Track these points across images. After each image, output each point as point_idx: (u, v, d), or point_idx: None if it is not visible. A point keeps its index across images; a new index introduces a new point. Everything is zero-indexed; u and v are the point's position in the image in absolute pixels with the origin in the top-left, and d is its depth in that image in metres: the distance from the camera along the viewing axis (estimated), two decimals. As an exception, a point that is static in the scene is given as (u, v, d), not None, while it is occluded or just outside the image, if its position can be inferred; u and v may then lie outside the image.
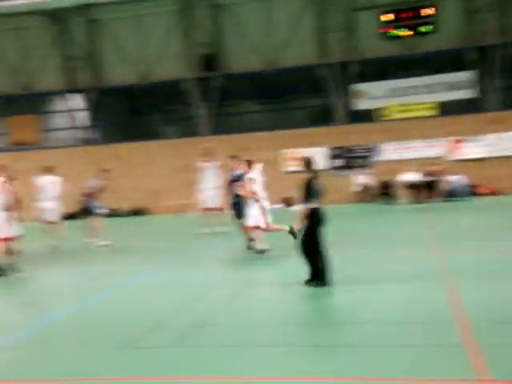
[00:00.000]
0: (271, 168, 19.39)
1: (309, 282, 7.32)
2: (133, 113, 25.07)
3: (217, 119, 23.03)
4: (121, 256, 11.68)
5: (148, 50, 22.76)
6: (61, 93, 23.32)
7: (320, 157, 21.22)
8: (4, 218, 9.57)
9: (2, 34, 23.32)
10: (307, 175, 7.34)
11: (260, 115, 25.21)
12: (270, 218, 10.10)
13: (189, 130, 24.63)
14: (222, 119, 23.59)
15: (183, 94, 23.35)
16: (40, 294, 8.55)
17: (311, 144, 21.14)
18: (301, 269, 7.47)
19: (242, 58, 22.29)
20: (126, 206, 22.01)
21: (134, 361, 5.14)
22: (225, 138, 22.09)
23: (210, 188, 14.11)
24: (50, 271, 10.20)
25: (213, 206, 13.98)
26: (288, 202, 20.23)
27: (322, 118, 22.36)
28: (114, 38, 22.89)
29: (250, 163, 10.68)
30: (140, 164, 22.38)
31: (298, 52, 21.81)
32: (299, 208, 7.44)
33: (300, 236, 7.42)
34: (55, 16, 22.37)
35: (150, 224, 19.22)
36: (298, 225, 7.37)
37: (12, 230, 9.81)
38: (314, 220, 7.25)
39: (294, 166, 21.14)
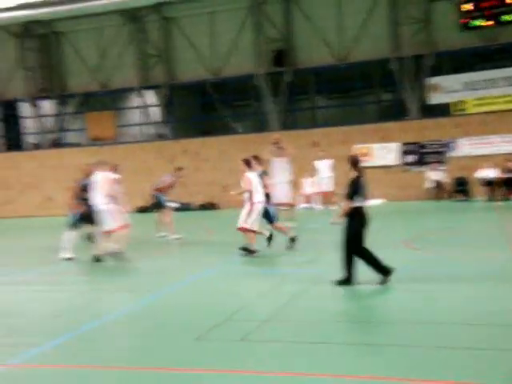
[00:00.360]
0: (342, 164, 19.14)
1: (340, 283, 7.30)
2: (204, 108, 25.48)
3: (287, 114, 23.01)
4: (192, 249, 11.88)
5: (219, 46, 23.03)
6: (135, 89, 24.01)
7: (392, 152, 20.79)
8: (115, 209, 10.16)
9: (83, 34, 24.28)
10: (354, 173, 7.27)
11: (330, 110, 24.98)
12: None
13: (259, 125, 24.77)
14: (291, 114, 23.57)
15: (254, 89, 23.48)
16: (117, 284, 8.84)
17: (383, 139, 20.74)
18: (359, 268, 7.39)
19: (313, 53, 22.13)
20: (197, 200, 22.41)
21: (208, 353, 5.22)
22: (294, 133, 22.04)
23: (280, 183, 14.10)
24: (120, 264, 10.53)
25: (283, 201, 13.98)
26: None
27: (395, 112, 21.85)
28: (186, 35, 23.31)
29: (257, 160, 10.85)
30: (211, 159, 22.71)
31: (370, 46, 21.40)
32: (342, 205, 7.39)
33: (344, 235, 7.28)
34: (131, 15, 23.05)
35: (220, 218, 19.46)
36: (336, 219, 7.31)
37: (123, 220, 10.36)
38: (359, 219, 7.18)
39: (366, 162, 20.81)
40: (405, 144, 20.87)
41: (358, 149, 20.97)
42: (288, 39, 22.23)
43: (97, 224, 10.56)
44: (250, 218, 10.15)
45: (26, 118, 26.06)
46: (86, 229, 11.21)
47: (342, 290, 7.28)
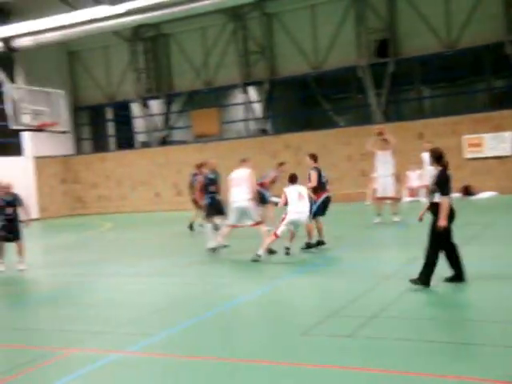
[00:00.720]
0: (451, 155, 18.35)
1: (450, 279, 7.09)
2: (305, 102, 25.44)
3: (390, 106, 22.40)
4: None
5: (321, 40, 22.86)
6: (238, 86, 24.46)
7: (506, 142, 19.61)
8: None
9: (188, 34, 25.12)
10: (438, 168, 6.99)
11: (437, 100, 24.00)
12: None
13: (361, 118, 24.34)
14: (395, 106, 22.92)
15: (356, 81, 23.08)
16: (225, 279, 9.08)
17: (497, 128, 19.58)
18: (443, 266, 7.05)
19: (418, 41, 21.33)
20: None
21: (314, 347, 5.22)
22: (398, 125, 21.40)
23: (383, 176, 13.80)
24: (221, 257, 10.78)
25: (387, 195, 13.69)
26: (468, 191, 19.05)
27: (509, 99, 20.53)
28: (288, 30, 23.37)
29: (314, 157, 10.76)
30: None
31: (481, 29, 20.24)
32: (431, 200, 7.00)
33: (431, 233, 6.95)
34: (234, 13, 23.49)
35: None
36: (442, 222, 6.83)
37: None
38: (451, 215, 6.90)
39: (476, 153, 19.81)
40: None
41: (470, 139, 19.99)
42: (391, 28, 21.60)
43: (225, 216, 10.84)
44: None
45: (136, 117, 27.44)
46: (216, 220, 11.29)
47: (446, 287, 7.00)
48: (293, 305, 6.96)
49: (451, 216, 6.97)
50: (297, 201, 9.74)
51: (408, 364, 4.66)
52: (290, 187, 9.94)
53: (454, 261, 7.05)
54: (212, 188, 11.17)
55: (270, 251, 10.03)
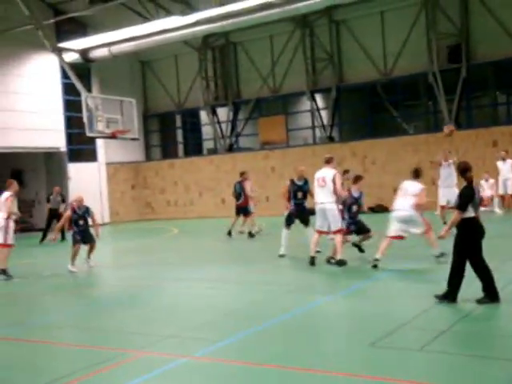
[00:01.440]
0: (526, 164, 17.59)
1: (442, 298, 6.80)
2: (373, 109, 25.06)
3: (462, 113, 21.71)
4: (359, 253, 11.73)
5: (390, 46, 22.49)
6: (305, 93, 24.43)
7: None
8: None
9: (256, 42, 25.35)
10: (465, 182, 6.87)
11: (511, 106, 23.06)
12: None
13: (431, 125, 23.72)
14: (467, 112, 22.18)
15: (425, 88, 22.54)
16: (289, 285, 9.05)
17: None
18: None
19: (493, 46, 20.56)
20: (367, 202, 22.09)
21: (385, 360, 5.11)
22: (470, 132, 20.74)
23: (447, 186, 13.81)
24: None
25: (448, 204, 13.48)
26: None
27: None
28: (356, 37, 23.14)
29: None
30: (379, 161, 22.26)
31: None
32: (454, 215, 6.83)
33: (456, 248, 6.73)
34: (301, 21, 23.52)
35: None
36: (445, 234, 6.82)
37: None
38: (473, 231, 6.73)
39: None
40: None
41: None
42: (464, 33, 20.94)
43: (308, 224, 10.90)
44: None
45: (204, 125, 27.93)
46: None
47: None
48: (364, 313, 6.85)
49: (479, 232, 6.79)
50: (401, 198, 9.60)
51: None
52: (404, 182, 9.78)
53: (487, 279, 6.73)
54: (299, 195, 11.16)
55: (341, 262, 9.83)
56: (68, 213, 11.86)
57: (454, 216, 6.85)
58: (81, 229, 11.64)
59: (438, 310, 6.60)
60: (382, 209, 21.67)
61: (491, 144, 19.94)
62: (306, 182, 11.28)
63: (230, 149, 26.41)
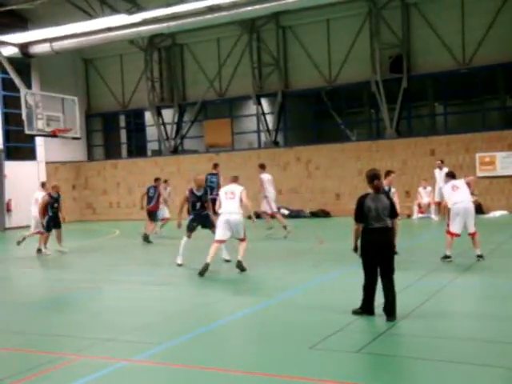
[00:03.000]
0: (464, 173, 18.30)
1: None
2: (318, 116, 25.46)
3: (402, 122, 22.37)
4: (307, 256, 11.87)
5: (335, 54, 22.90)
6: (251, 97, 24.53)
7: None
8: None
9: (203, 45, 25.27)
10: (373, 189, 6.60)
11: (450, 117, 23.94)
12: None
13: (374, 132, 24.32)
14: (407, 122, 22.88)
15: (368, 96, 23.10)
16: (234, 288, 9.05)
17: (510, 147, 19.55)
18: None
19: (432, 58, 21.31)
20: (309, 207, 22.40)
21: (322, 362, 5.18)
22: (410, 141, 21.40)
23: None
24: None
25: None
26: (479, 210, 18.92)
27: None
28: (302, 43, 23.45)
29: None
30: (322, 166, 22.63)
31: (496, 48, 20.21)
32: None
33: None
34: (249, 25, 23.61)
35: (332, 226, 19.29)
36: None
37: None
38: (366, 243, 6.51)
39: (488, 171, 19.72)
40: (532, 152, 19.48)
41: (483, 157, 19.88)
42: (406, 45, 21.61)
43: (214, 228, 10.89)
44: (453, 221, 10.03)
45: (148, 126, 27.57)
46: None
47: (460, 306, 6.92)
48: (303, 317, 6.90)
49: (371, 245, 6.45)
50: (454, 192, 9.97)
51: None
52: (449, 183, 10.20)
53: (367, 293, 6.56)
54: (198, 205, 10.86)
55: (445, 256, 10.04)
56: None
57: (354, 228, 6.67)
58: (55, 211, 13.99)
59: (376, 313, 6.74)
60: (324, 214, 22.04)
61: (429, 152, 20.65)
62: (205, 191, 11.01)
63: (175, 151, 26.18)
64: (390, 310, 6.39)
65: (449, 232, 10.08)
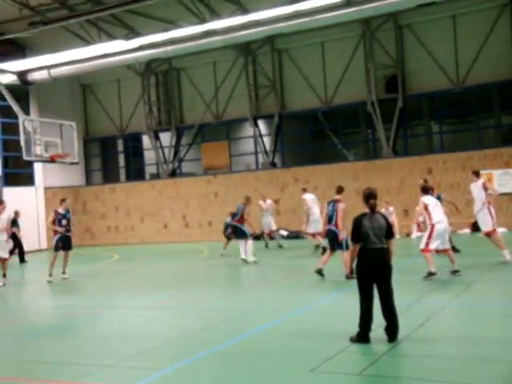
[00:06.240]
0: (461, 191, 18.36)
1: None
2: (314, 136, 25.61)
3: (399, 141, 22.50)
4: (307, 277, 11.86)
5: (330, 75, 23.10)
6: (248, 119, 24.69)
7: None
8: None
9: (199, 68, 25.51)
10: (368, 208, 6.57)
11: (446, 136, 24.10)
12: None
13: (370, 152, 24.44)
14: (404, 141, 23.01)
15: (364, 116, 23.27)
16: (234, 310, 9.02)
17: (506, 165, 19.63)
18: None
19: (427, 78, 21.54)
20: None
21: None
22: (407, 160, 21.50)
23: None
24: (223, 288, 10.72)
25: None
26: (477, 227, 18.94)
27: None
28: (297, 65, 23.68)
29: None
30: (320, 186, 22.67)
31: (489, 67, 20.44)
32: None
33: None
34: (244, 48, 23.88)
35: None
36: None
37: None
38: (361, 263, 6.45)
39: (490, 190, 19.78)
40: (529, 170, 19.57)
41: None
42: (400, 65, 21.85)
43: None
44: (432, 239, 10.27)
45: (146, 149, 27.68)
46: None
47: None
48: (304, 338, 6.87)
49: (370, 265, 6.36)
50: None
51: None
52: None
53: (364, 316, 6.40)
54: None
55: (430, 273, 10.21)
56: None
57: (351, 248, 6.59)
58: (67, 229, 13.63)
59: (376, 335, 6.72)
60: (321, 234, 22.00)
61: (427, 171, 20.73)
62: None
63: (173, 174, 26.25)
64: (393, 332, 6.33)
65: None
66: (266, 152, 24.44)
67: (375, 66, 21.90)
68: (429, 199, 10.66)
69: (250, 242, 14.46)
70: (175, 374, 5.80)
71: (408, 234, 19.39)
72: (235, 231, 14.77)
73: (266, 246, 18.28)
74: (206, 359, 6.25)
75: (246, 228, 14.46)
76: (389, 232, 6.51)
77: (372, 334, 6.36)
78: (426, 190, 10.88)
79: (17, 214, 19.38)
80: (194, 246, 21.49)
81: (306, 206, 15.86)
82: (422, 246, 10.41)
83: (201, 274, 14.16)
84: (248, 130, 25.47)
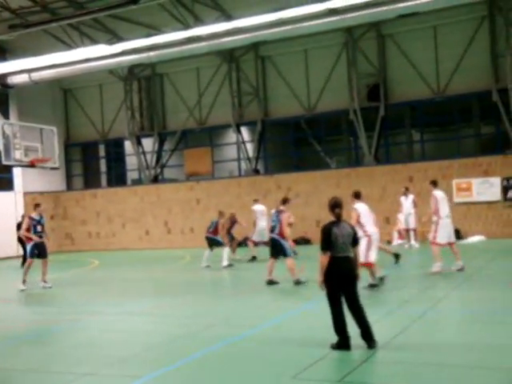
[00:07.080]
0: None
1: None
2: (297, 143, 25.71)
3: (380, 149, 22.68)
4: (286, 285, 11.85)
5: (313, 83, 23.23)
6: (231, 126, 24.70)
7: (495, 187, 19.91)
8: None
9: (182, 74, 25.46)
10: (335, 217, 6.52)
11: (426, 144, 24.35)
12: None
13: (352, 160, 24.58)
14: (385, 149, 23.20)
15: (347, 124, 23.41)
16: (213, 318, 8.97)
17: (485, 174, 19.88)
18: None
19: (408, 87, 21.77)
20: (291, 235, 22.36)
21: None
22: (389, 168, 21.68)
23: None
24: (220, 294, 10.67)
25: None
26: (457, 235, 19.13)
27: (497, 145, 20.88)
28: (281, 73, 23.78)
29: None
30: (303, 194, 22.74)
31: (469, 77, 20.74)
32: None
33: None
34: (228, 55, 23.92)
35: (312, 255, 19.26)
36: (318, 277, 6.40)
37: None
38: (332, 273, 6.34)
39: (465, 197, 20.01)
40: (507, 179, 19.83)
41: (459, 184, 20.18)
42: (382, 74, 22.06)
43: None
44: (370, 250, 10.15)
45: (128, 155, 27.52)
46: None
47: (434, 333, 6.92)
48: (284, 346, 6.85)
49: (339, 275, 6.33)
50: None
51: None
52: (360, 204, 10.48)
53: (339, 324, 6.38)
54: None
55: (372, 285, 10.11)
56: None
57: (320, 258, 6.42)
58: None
59: (356, 342, 6.72)
60: (305, 241, 22.06)
61: (408, 179, 20.90)
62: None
63: (155, 180, 26.12)
64: (368, 336, 6.35)
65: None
66: (248, 159, 24.45)
67: (358, 74, 22.08)
68: (361, 206, 10.34)
69: (227, 249, 15.74)
70: (155, 382, 5.74)
71: (389, 242, 19.49)
72: (211, 242, 15.88)
73: (254, 258, 16.87)
74: (186, 366, 6.20)
75: (220, 238, 15.87)
76: (354, 240, 6.57)
77: (352, 342, 6.36)
78: (357, 195, 10.46)
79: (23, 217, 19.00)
80: (175, 253, 21.38)
81: (255, 217, 17.19)
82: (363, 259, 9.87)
83: (182, 280, 14.07)
84: (231, 136, 25.46)
